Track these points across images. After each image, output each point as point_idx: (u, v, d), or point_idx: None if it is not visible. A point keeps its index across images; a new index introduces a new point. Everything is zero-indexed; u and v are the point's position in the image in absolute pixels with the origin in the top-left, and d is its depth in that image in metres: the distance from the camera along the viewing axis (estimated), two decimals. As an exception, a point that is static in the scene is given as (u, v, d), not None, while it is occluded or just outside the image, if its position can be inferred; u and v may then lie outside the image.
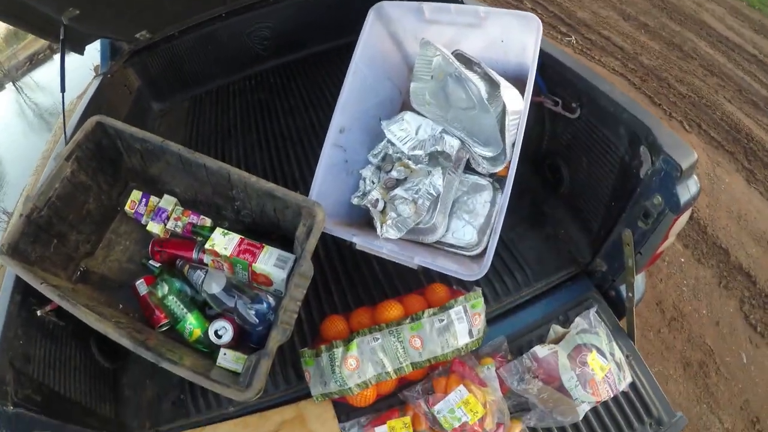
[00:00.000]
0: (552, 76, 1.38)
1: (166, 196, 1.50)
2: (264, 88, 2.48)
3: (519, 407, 1.27)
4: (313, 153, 1.93)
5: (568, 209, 1.53)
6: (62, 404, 1.29)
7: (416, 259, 1.23)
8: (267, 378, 1.11)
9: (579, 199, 1.48)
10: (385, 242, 1.30)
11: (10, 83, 9.48)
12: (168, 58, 2.43)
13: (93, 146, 1.42)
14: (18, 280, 1.31)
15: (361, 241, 1.26)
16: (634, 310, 1.35)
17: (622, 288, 1.37)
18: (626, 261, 1.26)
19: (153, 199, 1.49)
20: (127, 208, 1.49)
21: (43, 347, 1.33)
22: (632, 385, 1.29)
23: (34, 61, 9.90)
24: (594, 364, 1.21)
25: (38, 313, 1.34)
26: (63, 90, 1.71)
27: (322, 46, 2.54)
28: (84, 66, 2.91)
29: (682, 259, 2.63)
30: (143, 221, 1.49)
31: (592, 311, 1.32)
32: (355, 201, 1.39)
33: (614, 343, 1.29)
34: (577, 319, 1.31)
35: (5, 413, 1.11)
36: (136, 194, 1.50)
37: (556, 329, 1.33)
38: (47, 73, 9.35)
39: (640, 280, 1.43)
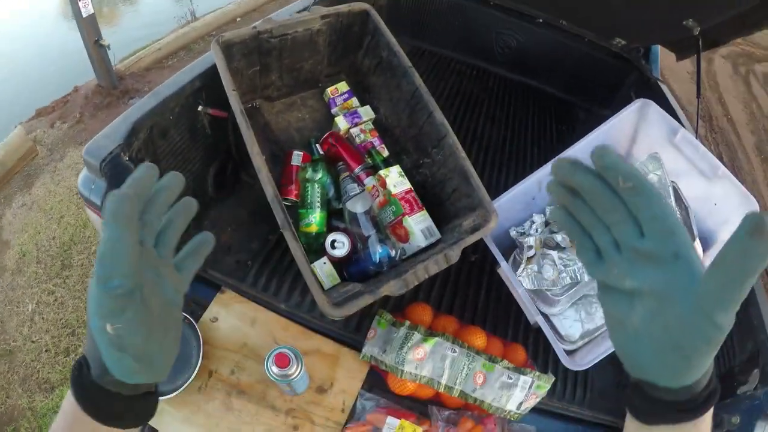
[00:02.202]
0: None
1: (367, 107, 1.54)
2: (480, 85, 2.52)
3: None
4: (492, 166, 2.01)
5: None
6: (160, 189, 1.32)
7: (538, 318, 1.26)
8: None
9: None
10: (520, 284, 1.32)
11: None
12: (418, 3, 2.48)
13: (346, 24, 1.47)
14: (207, 72, 1.36)
15: (506, 269, 1.28)
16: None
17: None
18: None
19: (354, 100, 1.54)
20: (328, 90, 1.54)
21: (181, 137, 1.38)
22: None
23: None
24: None
25: (199, 108, 1.39)
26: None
27: (551, 89, 2.58)
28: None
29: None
30: (333, 111, 1.53)
31: None
32: (513, 233, 1.42)
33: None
34: None
35: (119, 158, 1.15)
36: (343, 85, 1.55)
37: None
38: None
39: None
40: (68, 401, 0.44)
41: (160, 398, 1.19)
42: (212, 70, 1.32)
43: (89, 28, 3.53)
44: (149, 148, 1.26)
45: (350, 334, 1.37)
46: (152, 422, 1.20)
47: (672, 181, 1.42)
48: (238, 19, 4.84)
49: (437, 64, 2.56)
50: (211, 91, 1.36)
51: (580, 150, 1.46)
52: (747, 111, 5.27)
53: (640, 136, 1.57)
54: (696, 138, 1.46)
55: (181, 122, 1.35)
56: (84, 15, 3.44)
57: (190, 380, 1.24)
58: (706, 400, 0.43)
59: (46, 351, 2.42)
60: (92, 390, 0.43)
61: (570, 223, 0.45)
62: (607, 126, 1.49)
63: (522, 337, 1.47)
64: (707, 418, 0.44)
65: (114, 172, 1.14)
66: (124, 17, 6.47)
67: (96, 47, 3.59)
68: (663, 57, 2.48)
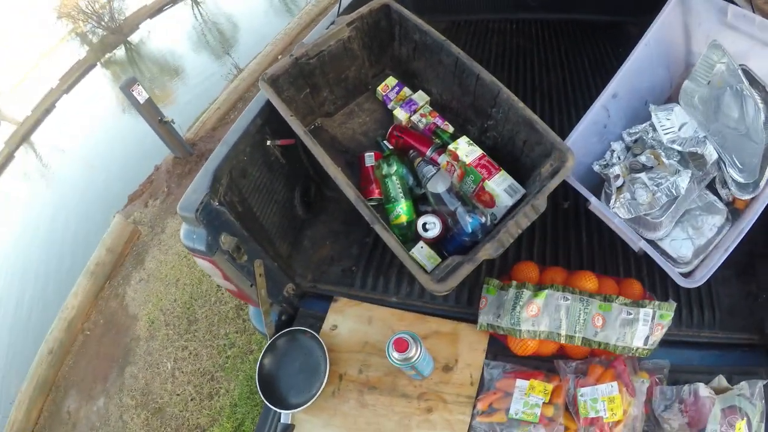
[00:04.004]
0: None
1: (420, 92, 1.58)
2: (524, 36, 2.47)
3: (646, 435, 1.22)
4: (560, 111, 1.97)
5: None
6: (254, 223, 1.43)
7: (641, 242, 1.22)
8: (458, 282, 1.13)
9: None
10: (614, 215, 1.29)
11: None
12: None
13: (372, 23, 1.52)
14: (264, 109, 1.45)
15: (596, 203, 1.26)
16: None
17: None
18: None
19: (406, 89, 1.58)
20: (379, 89, 1.60)
21: (260, 172, 1.48)
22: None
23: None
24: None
25: (268, 142, 1.48)
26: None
27: (591, 17, 2.46)
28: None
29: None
30: (390, 106, 1.58)
31: (761, 383, 1.23)
32: (596, 168, 1.39)
33: (764, 425, 1.19)
34: (743, 383, 1.22)
35: (210, 205, 1.25)
36: (391, 80, 1.61)
37: (721, 381, 1.26)
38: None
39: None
40: None
41: (298, 409, 1.31)
42: (268, 106, 1.42)
43: (150, 111, 3.84)
44: (234, 189, 1.37)
45: (463, 309, 1.40)
46: (294, 433, 1.30)
47: (741, 65, 1.32)
48: (279, 57, 5.06)
49: (476, 31, 2.53)
50: (273, 124, 1.46)
51: (634, 64, 1.40)
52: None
53: (692, 28, 1.47)
54: (752, 10, 1.36)
55: (256, 159, 1.45)
56: (141, 102, 3.76)
57: (322, 387, 1.33)
58: None
59: (191, 400, 2.64)
60: None
61: None
62: (652, 32, 1.41)
63: (635, 271, 1.43)
64: None
65: (209, 218, 1.24)
66: (177, 91, 6.99)
67: (162, 125, 3.90)
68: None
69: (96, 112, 7.87)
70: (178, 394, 2.70)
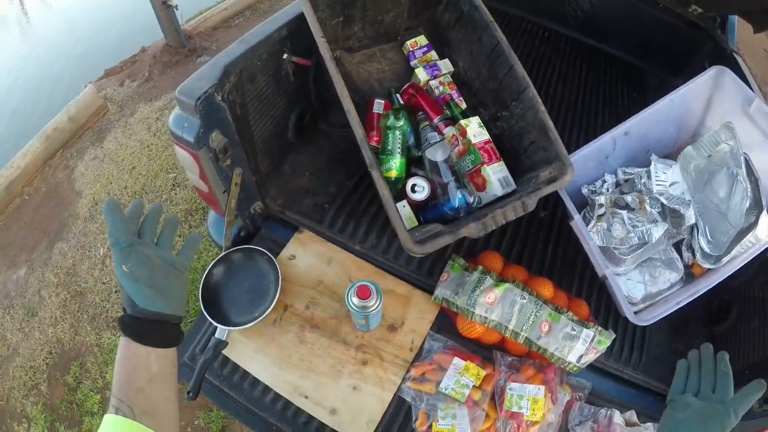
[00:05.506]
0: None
1: (446, 60, 1.57)
2: (551, 46, 2.49)
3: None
4: (564, 125, 2.02)
5: None
6: (246, 130, 1.39)
7: (607, 271, 1.28)
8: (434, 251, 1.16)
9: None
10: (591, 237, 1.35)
11: None
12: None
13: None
14: (293, 22, 1.38)
15: (579, 222, 1.31)
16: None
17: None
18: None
19: (433, 53, 1.57)
20: (407, 43, 1.59)
21: (267, 83, 1.43)
22: None
23: None
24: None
25: (285, 56, 1.44)
26: None
27: (622, 55, 2.54)
28: None
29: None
30: (412, 63, 1.57)
31: None
32: (584, 190, 1.45)
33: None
34: (650, 424, 1.33)
35: (213, 98, 1.20)
36: (422, 39, 1.59)
37: (633, 415, 1.35)
38: None
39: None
40: (120, 339, 0.67)
41: (235, 328, 1.30)
42: (298, 20, 1.37)
43: (157, -11, 3.62)
44: (239, 90, 1.32)
45: (422, 277, 1.43)
46: (226, 351, 1.30)
47: (744, 153, 1.40)
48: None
49: (508, 24, 2.53)
50: (295, 40, 1.41)
51: (653, 113, 1.45)
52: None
53: (714, 104, 1.54)
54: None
55: (268, 68, 1.40)
56: (152, -24, 3.54)
57: (267, 312, 1.32)
58: None
59: (115, 292, 2.56)
60: (130, 321, 0.66)
61: (683, 372, 0.95)
62: (681, 92, 1.47)
63: (585, 294, 1.50)
64: None
65: (208, 110, 1.20)
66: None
67: (164, 8, 3.68)
68: (739, 30, 2.38)
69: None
70: (103, 283, 2.62)
